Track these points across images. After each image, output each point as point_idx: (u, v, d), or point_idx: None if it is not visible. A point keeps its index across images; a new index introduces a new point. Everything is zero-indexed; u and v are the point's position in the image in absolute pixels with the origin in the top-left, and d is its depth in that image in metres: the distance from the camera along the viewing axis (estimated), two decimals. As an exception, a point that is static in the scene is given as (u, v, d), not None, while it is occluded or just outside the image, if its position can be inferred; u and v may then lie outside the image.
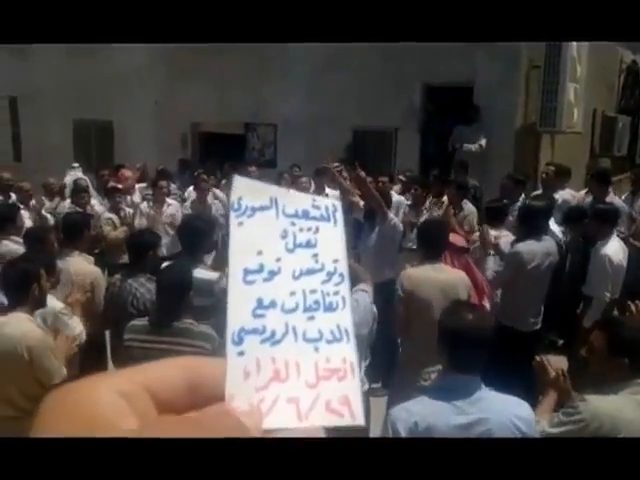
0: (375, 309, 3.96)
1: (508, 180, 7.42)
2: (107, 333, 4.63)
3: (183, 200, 8.71)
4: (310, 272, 0.58)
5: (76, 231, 4.77)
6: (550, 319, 5.43)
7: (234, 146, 11.70)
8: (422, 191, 7.34)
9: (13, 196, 8.12)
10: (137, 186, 9.30)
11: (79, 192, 7.81)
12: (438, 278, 4.11)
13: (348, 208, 7.14)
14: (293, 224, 0.59)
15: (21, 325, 3.34)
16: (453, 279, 4.16)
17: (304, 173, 8.93)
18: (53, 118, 14.48)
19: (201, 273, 4.13)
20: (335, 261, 0.60)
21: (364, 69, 10.06)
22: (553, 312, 5.49)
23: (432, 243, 4.28)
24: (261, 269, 0.56)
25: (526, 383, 4.27)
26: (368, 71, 10.03)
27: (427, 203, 7.32)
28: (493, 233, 5.40)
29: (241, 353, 0.52)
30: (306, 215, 0.60)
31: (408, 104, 9.82)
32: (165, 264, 4.10)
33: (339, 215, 0.61)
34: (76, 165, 11.36)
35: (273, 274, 0.56)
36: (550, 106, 8.96)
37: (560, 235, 6.18)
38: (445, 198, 7.11)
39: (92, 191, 8.57)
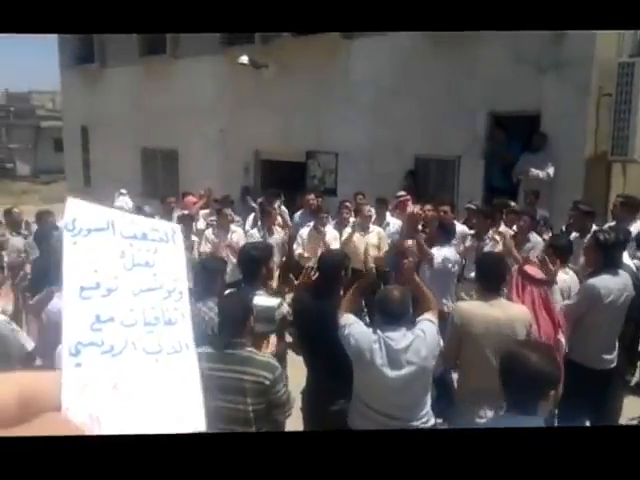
0: (441, 340, 3.91)
1: (577, 211, 7.23)
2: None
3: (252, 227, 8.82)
4: (149, 290, 0.62)
5: None
6: (624, 357, 5.19)
7: (295, 174, 11.86)
8: (486, 221, 7.21)
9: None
10: (200, 212, 9.48)
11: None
12: (492, 314, 3.99)
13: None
14: (131, 245, 0.63)
15: None
16: (510, 316, 4.02)
17: (367, 202, 8.90)
18: (122, 146, 14.98)
19: (261, 300, 4.16)
20: (175, 280, 0.65)
21: (427, 96, 10.04)
22: (628, 350, 5.26)
23: (490, 277, 4.18)
24: (98, 286, 0.59)
25: (599, 422, 4.10)
26: (431, 98, 10.01)
27: (490, 233, 7.20)
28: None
29: (78, 365, 0.54)
30: (145, 237, 0.64)
31: (472, 132, 9.71)
32: (227, 292, 4.14)
33: (178, 237, 0.67)
34: (124, 191, 11.94)
35: (111, 291, 0.59)
36: (622, 134, 8.67)
37: (634, 269, 5.95)
38: (503, 228, 7.00)
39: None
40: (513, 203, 8.29)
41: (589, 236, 6.63)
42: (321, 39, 10.72)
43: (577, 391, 4.32)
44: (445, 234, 6.29)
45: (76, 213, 0.60)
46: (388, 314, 3.58)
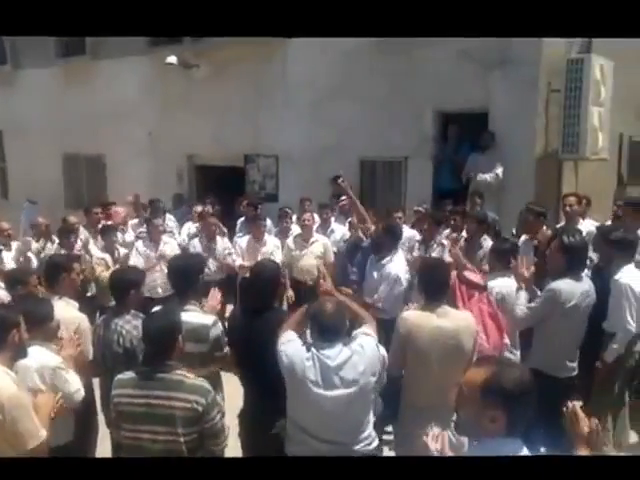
0: (384, 352, 3.93)
1: (528, 213, 7.33)
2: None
3: (194, 236, 8.77)
4: None
5: (56, 275, 4.80)
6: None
7: (233, 179, 11.85)
8: (433, 225, 7.38)
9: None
10: (130, 222, 9.40)
11: (66, 232, 7.89)
12: (437, 324, 4.05)
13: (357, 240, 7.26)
14: None
15: None
16: (456, 324, 4.09)
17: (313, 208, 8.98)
18: (42, 152, 14.69)
19: (194, 317, 4.13)
20: None
21: (371, 96, 10.14)
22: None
23: (433, 284, 4.22)
24: None
25: (561, 436, 4.19)
26: (375, 98, 10.11)
27: (438, 238, 7.37)
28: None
29: None
30: None
31: (419, 132, 9.85)
32: (155, 308, 4.14)
33: None
34: (32, 200, 11.72)
35: None
36: (572, 131, 8.85)
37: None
38: (454, 234, 7.15)
39: (83, 230, 8.67)
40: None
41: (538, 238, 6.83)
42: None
43: (540, 403, 4.41)
44: (392, 239, 6.34)
45: None
46: (322, 329, 3.56)
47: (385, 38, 9.17)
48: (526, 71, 8.84)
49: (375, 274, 6.26)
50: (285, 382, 3.61)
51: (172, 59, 11.67)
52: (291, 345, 3.61)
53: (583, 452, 2.69)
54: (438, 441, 2.85)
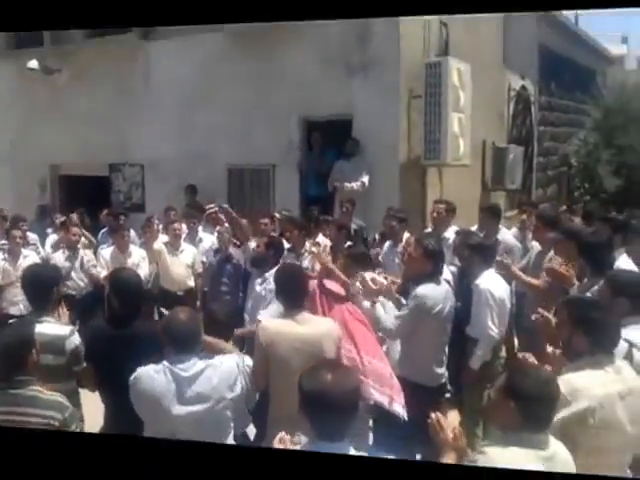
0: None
1: (390, 219, 7.57)
2: None
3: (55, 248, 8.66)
4: None
5: None
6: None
7: (98, 189, 11.71)
8: (300, 233, 7.50)
9: None
10: (-12, 237, 9.18)
11: None
12: (297, 332, 4.08)
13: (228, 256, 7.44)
14: None
15: None
16: (316, 332, 4.11)
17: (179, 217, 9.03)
18: None
19: (49, 328, 4.10)
20: None
21: (236, 102, 10.29)
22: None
23: (290, 291, 4.25)
24: None
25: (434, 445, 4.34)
26: (240, 104, 10.26)
27: (307, 245, 7.58)
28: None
29: None
30: None
31: (286, 139, 10.10)
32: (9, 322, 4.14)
33: None
34: None
35: None
36: (433, 138, 9.16)
37: (450, 276, 6.26)
38: (321, 239, 7.41)
39: None
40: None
41: (402, 244, 7.10)
42: (117, 40, 10.79)
43: (411, 413, 4.44)
44: (275, 254, 6.44)
45: None
46: (175, 338, 3.51)
47: (247, 39, 9.53)
48: (386, 76, 9.17)
49: (259, 289, 6.32)
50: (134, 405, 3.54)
51: (33, 64, 11.37)
52: (138, 371, 3.52)
53: (450, 457, 2.84)
54: (281, 443, 2.92)
